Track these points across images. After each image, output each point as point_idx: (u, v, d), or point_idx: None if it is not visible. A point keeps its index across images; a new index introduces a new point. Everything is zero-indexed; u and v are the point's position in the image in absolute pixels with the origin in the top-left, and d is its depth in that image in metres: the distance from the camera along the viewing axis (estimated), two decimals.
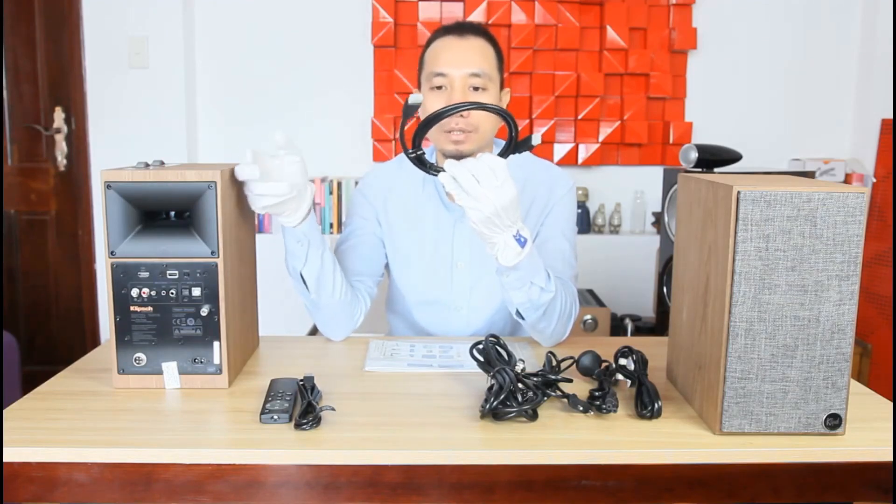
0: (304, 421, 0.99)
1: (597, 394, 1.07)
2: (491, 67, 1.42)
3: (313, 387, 1.07)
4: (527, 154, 1.56)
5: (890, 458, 0.95)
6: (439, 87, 1.41)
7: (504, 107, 1.48)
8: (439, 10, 2.96)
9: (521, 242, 1.19)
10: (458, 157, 1.41)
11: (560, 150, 3.05)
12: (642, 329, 2.63)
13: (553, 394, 1.08)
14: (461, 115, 1.38)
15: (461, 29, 1.44)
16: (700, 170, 2.23)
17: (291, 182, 1.18)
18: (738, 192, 0.93)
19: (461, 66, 1.39)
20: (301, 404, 1.03)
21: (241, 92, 3.03)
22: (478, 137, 1.41)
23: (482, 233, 1.17)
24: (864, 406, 1.09)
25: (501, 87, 1.47)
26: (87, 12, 2.86)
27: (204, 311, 1.12)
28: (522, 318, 1.33)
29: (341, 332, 1.42)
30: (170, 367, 1.14)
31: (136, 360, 1.13)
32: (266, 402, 1.05)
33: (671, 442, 0.97)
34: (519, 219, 1.18)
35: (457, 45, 1.42)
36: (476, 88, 1.40)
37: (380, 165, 1.63)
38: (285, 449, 0.94)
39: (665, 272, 2.33)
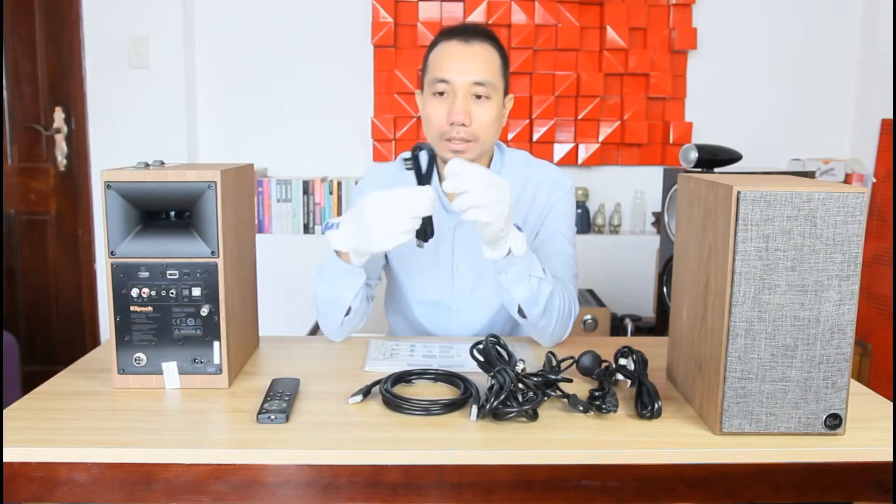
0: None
1: (597, 394, 1.07)
2: (495, 76, 1.40)
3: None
4: (525, 154, 1.57)
5: (890, 458, 0.95)
6: (441, 93, 1.40)
7: (506, 113, 1.48)
8: (439, 10, 2.96)
9: (520, 228, 1.25)
10: None
11: (560, 150, 3.05)
12: (642, 329, 2.63)
13: (553, 394, 1.08)
14: (463, 124, 1.38)
15: (467, 33, 1.41)
16: (700, 170, 2.23)
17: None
18: (738, 192, 0.93)
19: (465, 73, 1.38)
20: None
21: (242, 92, 3.03)
22: (478, 146, 1.41)
23: (501, 237, 1.19)
24: (864, 406, 1.09)
25: (506, 93, 1.46)
26: (87, 12, 2.86)
27: (204, 311, 1.12)
28: (524, 317, 1.33)
29: (347, 335, 1.43)
30: (170, 367, 1.14)
31: (136, 360, 1.13)
32: (264, 401, 1.05)
33: (671, 442, 0.97)
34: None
35: (461, 52, 1.39)
36: (479, 97, 1.39)
37: (378, 165, 1.63)
38: (285, 449, 0.94)
39: (665, 272, 2.33)
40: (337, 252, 1.29)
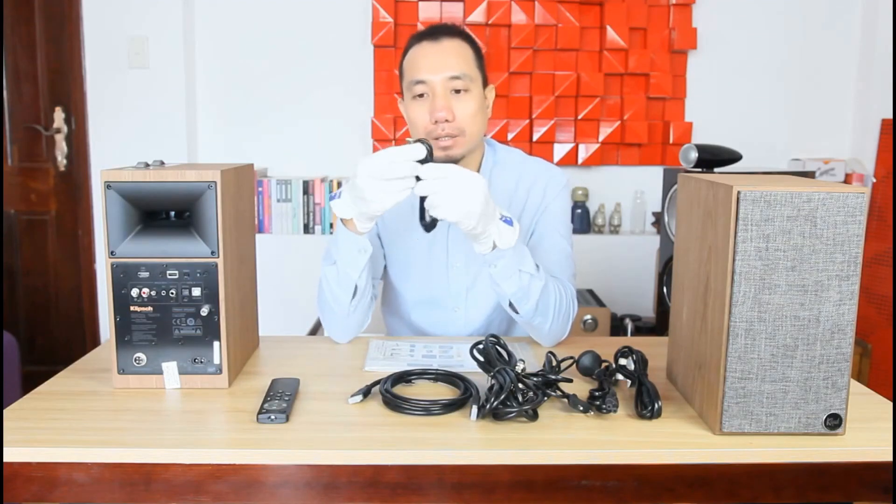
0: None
1: (597, 394, 1.07)
2: (470, 67, 1.40)
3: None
4: (519, 152, 1.56)
5: (890, 458, 0.95)
6: (421, 95, 1.40)
7: (489, 104, 1.48)
8: (439, 10, 2.96)
9: (509, 222, 1.23)
10: (450, 162, 1.42)
11: (560, 150, 3.05)
12: (642, 329, 2.63)
13: (553, 394, 1.08)
14: (447, 120, 1.38)
15: (435, 33, 1.41)
16: (700, 170, 2.23)
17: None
18: (738, 192, 0.93)
19: (439, 70, 1.38)
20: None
21: (242, 92, 3.03)
22: (466, 140, 1.41)
23: (479, 233, 1.19)
24: (864, 406, 1.09)
25: (485, 85, 1.46)
26: (87, 12, 2.86)
27: (204, 311, 1.12)
28: (517, 312, 1.32)
29: (351, 335, 1.41)
30: (170, 367, 1.14)
31: (136, 360, 1.13)
32: (264, 401, 1.05)
33: (671, 442, 0.97)
34: (494, 203, 1.22)
35: (433, 50, 1.39)
36: (458, 91, 1.39)
37: None
38: (285, 449, 0.94)
39: (665, 272, 2.33)
40: (345, 225, 1.28)
